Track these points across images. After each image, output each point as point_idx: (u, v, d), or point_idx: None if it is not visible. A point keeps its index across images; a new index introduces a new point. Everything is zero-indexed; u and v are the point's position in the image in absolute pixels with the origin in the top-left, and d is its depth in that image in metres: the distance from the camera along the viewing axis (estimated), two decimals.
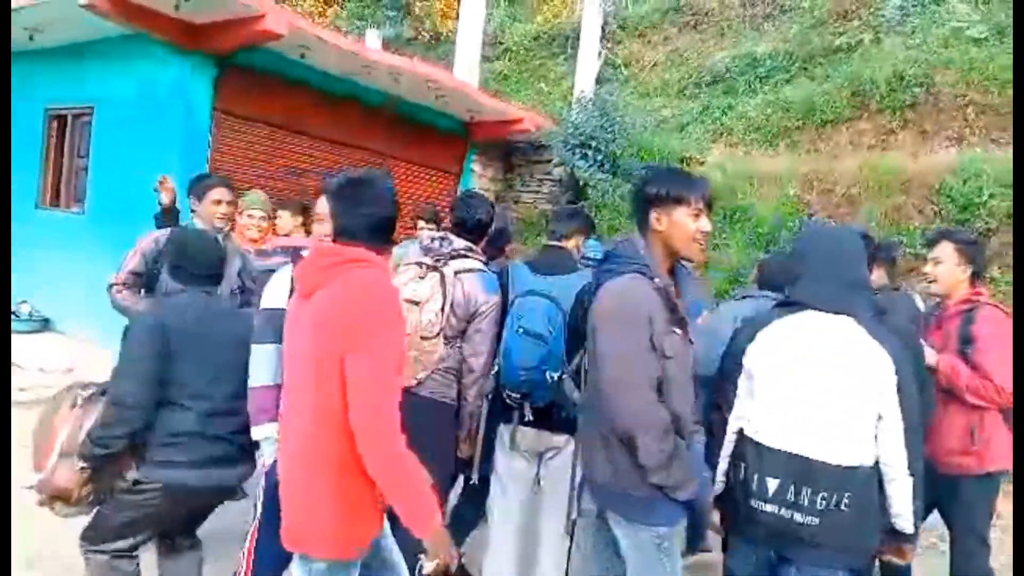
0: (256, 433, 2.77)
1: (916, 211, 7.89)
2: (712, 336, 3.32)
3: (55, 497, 2.75)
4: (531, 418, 3.16)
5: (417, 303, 3.16)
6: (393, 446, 2.09)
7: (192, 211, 3.86)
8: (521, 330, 3.10)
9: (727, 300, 5.28)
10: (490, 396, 3.32)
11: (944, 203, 7.74)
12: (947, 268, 3.66)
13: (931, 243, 3.83)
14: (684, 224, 2.52)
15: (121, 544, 2.83)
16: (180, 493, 2.78)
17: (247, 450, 2.89)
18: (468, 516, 3.78)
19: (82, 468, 2.70)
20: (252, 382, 2.77)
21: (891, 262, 4.01)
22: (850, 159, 8.87)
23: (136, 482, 2.74)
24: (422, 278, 3.23)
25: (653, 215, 2.54)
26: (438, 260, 3.27)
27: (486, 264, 3.46)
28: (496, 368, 3.24)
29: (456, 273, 3.24)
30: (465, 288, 3.22)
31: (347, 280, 2.19)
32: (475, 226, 3.45)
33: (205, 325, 2.87)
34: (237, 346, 2.87)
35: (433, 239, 3.39)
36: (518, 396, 3.15)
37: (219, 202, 3.79)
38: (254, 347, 2.79)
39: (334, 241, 2.34)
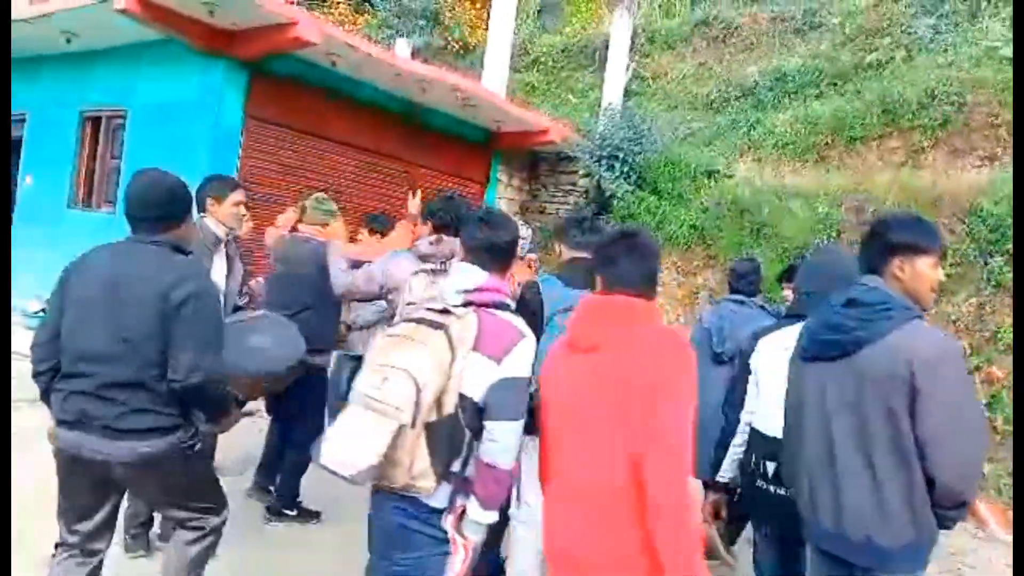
0: (490, 517, 2.35)
1: (947, 230, 7.79)
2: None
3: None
4: None
5: None
6: (686, 498, 2.04)
7: (202, 212, 3.74)
8: None
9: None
10: None
11: (975, 223, 7.65)
12: None
13: None
14: (926, 274, 2.46)
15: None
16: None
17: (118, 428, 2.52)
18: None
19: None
20: (504, 461, 2.30)
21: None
22: (880, 176, 8.79)
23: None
24: (435, 283, 3.23)
25: (895, 263, 2.46)
26: (442, 263, 3.32)
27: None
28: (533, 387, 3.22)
29: None
30: None
31: (646, 336, 2.18)
32: (447, 224, 3.50)
33: (84, 276, 2.64)
34: (140, 300, 2.52)
35: (429, 244, 3.41)
36: None
37: (240, 203, 3.81)
38: (502, 424, 2.27)
39: (603, 293, 2.32)
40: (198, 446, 2.68)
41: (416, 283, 3.28)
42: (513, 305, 2.51)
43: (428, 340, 2.23)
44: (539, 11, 16.42)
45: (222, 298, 3.62)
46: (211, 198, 3.74)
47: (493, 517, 2.34)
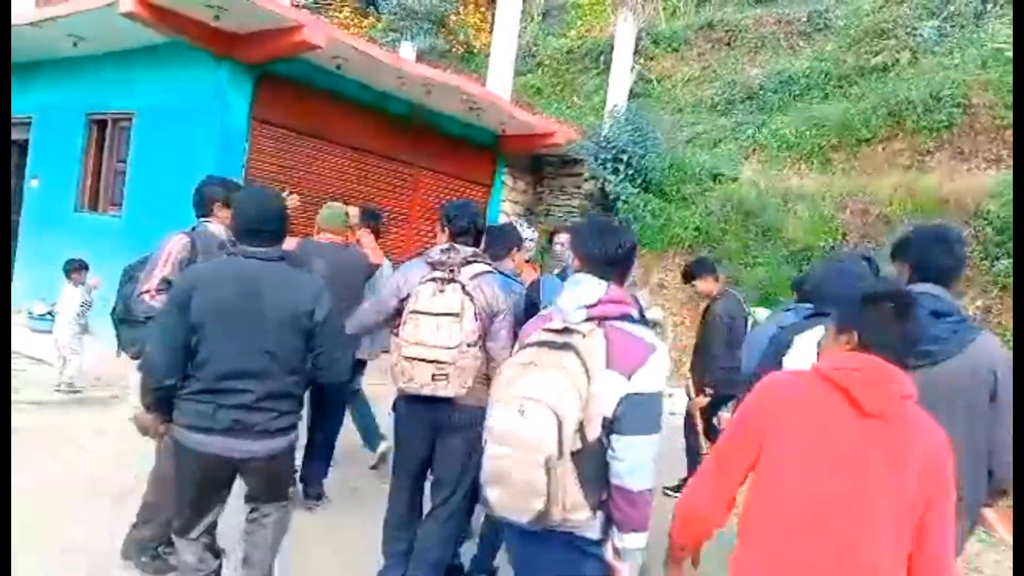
0: (635, 541, 2.21)
1: None
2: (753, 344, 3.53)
3: (143, 430, 2.98)
4: None
5: (455, 315, 3.18)
6: None
7: (205, 215, 3.72)
8: None
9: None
10: None
11: (981, 225, 7.63)
12: None
13: None
14: None
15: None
16: (189, 456, 2.80)
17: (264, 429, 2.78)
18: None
19: (145, 410, 2.88)
20: (635, 481, 2.15)
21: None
22: (885, 179, 8.79)
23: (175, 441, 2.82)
24: (443, 291, 3.24)
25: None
26: (451, 271, 3.28)
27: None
28: None
29: (471, 278, 3.27)
30: (486, 291, 3.27)
31: (919, 415, 1.97)
32: (466, 230, 3.45)
33: (218, 293, 2.72)
34: (281, 317, 2.72)
35: (441, 251, 3.39)
36: None
37: None
38: (627, 439, 2.14)
39: (857, 350, 1.99)
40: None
41: (424, 291, 3.27)
42: (637, 315, 2.36)
43: (559, 364, 2.10)
44: (544, 14, 16.44)
45: None
46: (219, 202, 3.70)
47: (639, 541, 2.17)
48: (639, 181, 9.81)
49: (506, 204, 11.00)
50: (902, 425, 1.92)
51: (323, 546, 4.08)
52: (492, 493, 2.15)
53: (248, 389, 2.70)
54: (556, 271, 4.56)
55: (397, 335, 3.28)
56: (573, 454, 2.06)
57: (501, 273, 3.52)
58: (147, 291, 3.45)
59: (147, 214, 7.70)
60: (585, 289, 2.24)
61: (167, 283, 3.43)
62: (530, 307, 3.42)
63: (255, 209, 2.84)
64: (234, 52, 7.33)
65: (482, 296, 3.25)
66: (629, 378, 2.13)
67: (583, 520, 2.12)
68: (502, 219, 10.82)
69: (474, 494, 3.47)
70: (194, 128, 7.57)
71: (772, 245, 8.81)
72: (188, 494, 2.85)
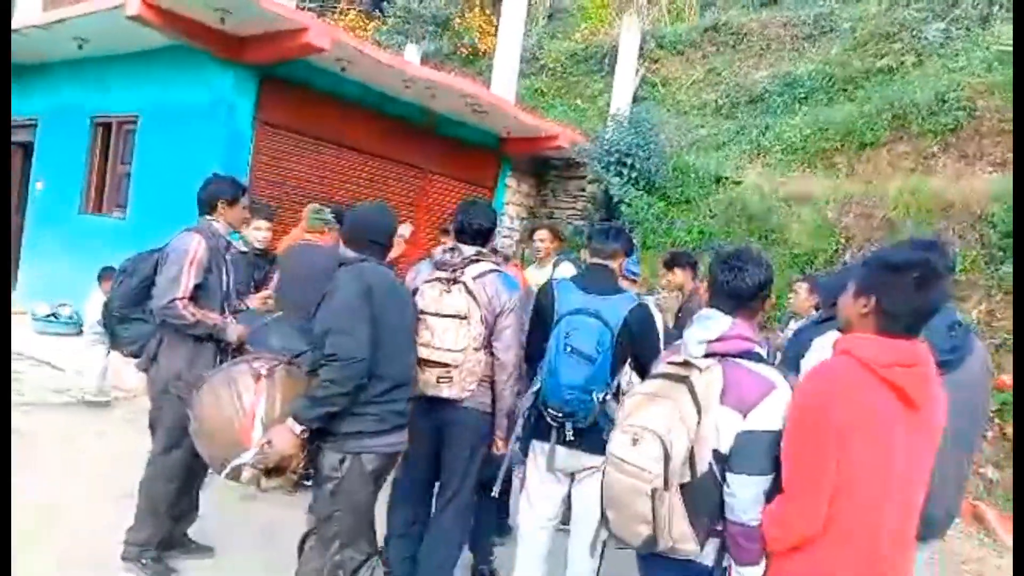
0: (752, 574, 2.16)
1: (957, 237, 7.75)
2: None
3: (273, 468, 2.70)
4: (572, 437, 3.14)
5: (463, 317, 3.21)
6: None
7: (209, 213, 3.67)
8: (569, 348, 3.07)
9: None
10: (526, 414, 3.33)
11: (986, 229, 7.61)
12: None
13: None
14: None
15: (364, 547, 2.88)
16: (371, 463, 2.83)
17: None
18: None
19: (302, 431, 2.67)
20: (748, 517, 2.12)
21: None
22: (890, 182, 8.76)
23: (341, 460, 2.77)
24: (447, 292, 3.27)
25: None
26: (455, 271, 3.30)
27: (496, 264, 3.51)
28: (538, 385, 3.24)
29: (475, 278, 3.29)
30: (488, 290, 3.29)
31: (941, 396, 2.13)
32: (476, 232, 3.46)
33: (395, 294, 2.95)
34: (408, 321, 3.02)
35: (444, 251, 3.41)
36: (561, 415, 3.13)
37: (247, 207, 3.82)
38: (740, 478, 2.10)
39: (882, 333, 2.03)
40: None
41: (429, 291, 3.31)
42: (765, 353, 2.30)
43: (671, 395, 2.14)
44: (548, 17, 16.45)
45: (221, 300, 3.59)
46: (223, 201, 3.66)
47: (756, 573, 2.14)
48: (642, 184, 9.80)
49: (509, 207, 11.00)
50: (934, 409, 2.07)
51: None
52: (609, 515, 2.24)
53: (403, 398, 2.92)
54: (566, 274, 4.57)
55: None
56: (682, 486, 2.09)
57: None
58: (180, 298, 3.37)
59: (152, 216, 7.72)
60: (710, 325, 2.23)
61: (197, 288, 3.41)
62: (541, 312, 3.38)
63: (379, 223, 3.06)
64: (239, 55, 7.34)
65: (484, 295, 3.27)
66: (745, 416, 2.11)
67: (691, 551, 2.13)
68: (505, 221, 10.82)
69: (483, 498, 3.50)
70: (199, 131, 7.58)
71: (775, 249, 8.78)
72: (368, 511, 2.88)
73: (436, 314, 3.24)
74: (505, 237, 4.67)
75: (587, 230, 5.11)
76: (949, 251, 3.00)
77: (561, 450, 3.19)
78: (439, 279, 3.32)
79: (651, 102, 12.23)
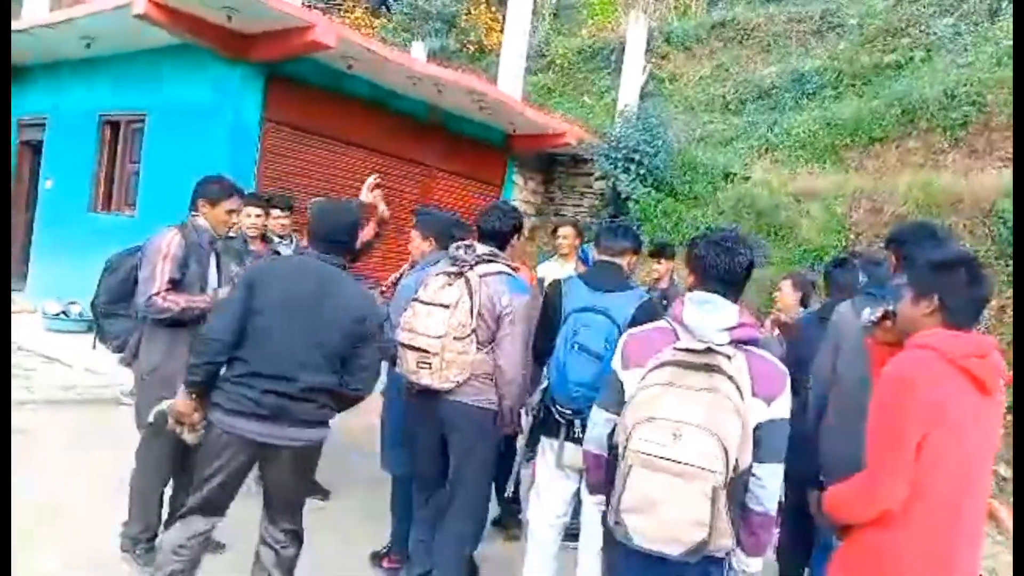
0: (757, 565, 2.20)
1: (967, 232, 7.71)
2: None
3: (179, 422, 2.99)
4: (580, 434, 3.13)
5: (447, 306, 3.22)
6: None
7: (194, 210, 3.66)
8: (577, 346, 3.06)
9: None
10: (535, 411, 3.33)
11: (996, 224, 7.57)
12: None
13: None
14: None
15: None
16: (226, 439, 2.88)
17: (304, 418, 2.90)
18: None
19: (186, 392, 2.92)
20: (773, 506, 2.15)
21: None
22: (899, 178, 8.72)
23: (208, 423, 2.94)
24: (450, 285, 3.29)
25: None
26: (463, 266, 3.32)
27: (513, 268, 3.51)
28: (546, 383, 3.24)
29: (480, 276, 3.29)
30: (489, 290, 3.28)
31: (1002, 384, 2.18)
32: (491, 233, 3.49)
33: (290, 291, 2.91)
34: (302, 319, 2.86)
35: (459, 248, 3.42)
36: (569, 412, 3.13)
37: (233, 211, 3.80)
38: (771, 467, 2.12)
39: (949, 328, 2.10)
40: None
41: (433, 282, 3.33)
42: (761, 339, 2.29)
43: (711, 386, 2.04)
44: (555, 13, 16.42)
45: (210, 297, 3.58)
46: (205, 200, 3.64)
47: (758, 566, 2.17)
48: (650, 180, 9.77)
49: (516, 203, 10.97)
50: (1001, 395, 2.14)
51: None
52: (636, 521, 2.06)
53: (296, 378, 2.83)
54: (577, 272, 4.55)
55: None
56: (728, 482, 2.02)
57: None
58: (157, 293, 3.40)
59: (161, 214, 7.66)
60: (724, 311, 2.18)
61: (173, 282, 3.44)
62: (552, 311, 3.35)
63: (332, 222, 3.10)
64: (246, 52, 7.35)
65: (484, 293, 3.27)
66: (769, 404, 2.11)
67: (728, 545, 2.09)
68: None
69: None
70: (206, 128, 7.60)
71: (784, 245, 8.76)
72: (215, 479, 2.88)
73: (423, 301, 3.28)
74: None
75: (595, 227, 5.08)
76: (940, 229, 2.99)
77: (570, 446, 3.18)
78: (447, 272, 3.33)
79: (658, 98, 12.20)
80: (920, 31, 10.84)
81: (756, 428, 2.08)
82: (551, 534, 3.35)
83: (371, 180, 4.58)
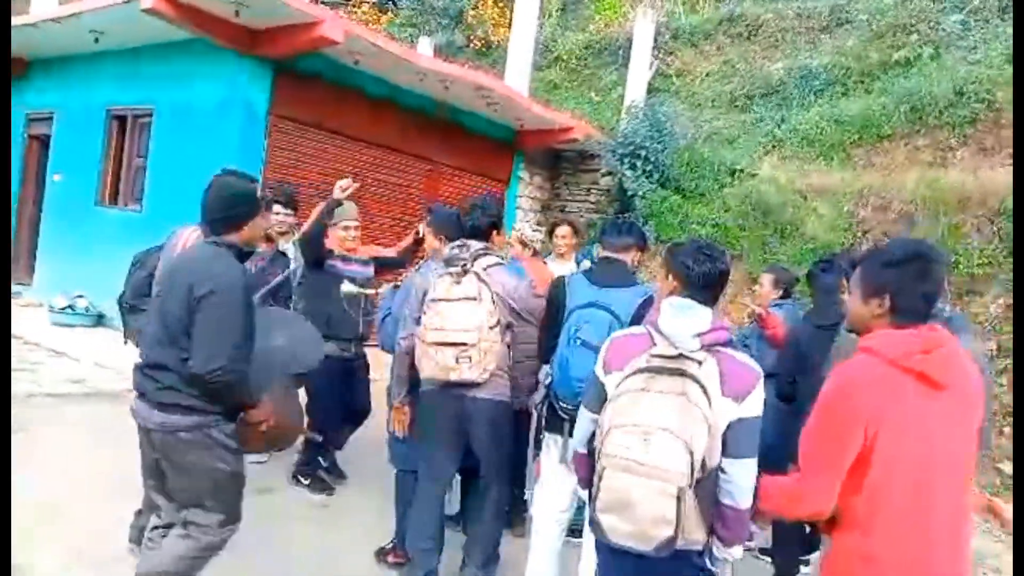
0: (735, 553, 2.29)
1: (975, 230, 7.68)
2: None
3: None
4: None
5: (473, 298, 3.26)
6: None
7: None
8: (579, 342, 3.08)
9: None
10: (539, 407, 3.38)
11: (1004, 223, 7.53)
12: None
13: None
14: None
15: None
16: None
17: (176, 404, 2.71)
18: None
19: None
20: (744, 501, 2.21)
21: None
22: (907, 175, 8.68)
23: None
24: (458, 283, 3.31)
25: None
26: (464, 263, 3.36)
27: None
28: (549, 378, 3.26)
29: (484, 269, 3.36)
30: (499, 278, 3.37)
31: (971, 373, 2.14)
32: (474, 231, 3.56)
33: (169, 282, 2.80)
34: (176, 289, 2.69)
35: (453, 248, 3.47)
36: (572, 408, 3.13)
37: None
38: (740, 462, 2.18)
39: (899, 327, 2.10)
40: (219, 436, 2.77)
41: (440, 284, 3.35)
42: (733, 340, 2.37)
43: (679, 391, 2.10)
44: (562, 8, 16.38)
45: None
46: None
47: (738, 553, 2.26)
48: (657, 177, 9.76)
49: (523, 199, 11.00)
50: (964, 386, 2.09)
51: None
52: (609, 520, 2.15)
53: (146, 353, 2.81)
54: (581, 269, 4.56)
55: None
56: (696, 482, 2.09)
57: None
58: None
59: (168, 209, 7.76)
60: (697, 316, 2.23)
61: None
62: (555, 308, 3.37)
63: (204, 199, 2.88)
64: (253, 48, 7.37)
65: (498, 283, 3.34)
66: (739, 403, 2.16)
67: (700, 541, 2.19)
68: (519, 215, 10.82)
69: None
70: (213, 123, 7.62)
71: (791, 242, 8.73)
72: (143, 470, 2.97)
73: (446, 299, 3.29)
74: (535, 231, 4.70)
75: (600, 224, 5.08)
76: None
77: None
78: (450, 273, 3.35)
79: (666, 94, 12.16)
80: (929, 27, 10.77)
81: (727, 427, 2.13)
82: (555, 529, 3.37)
83: (343, 182, 4.52)
